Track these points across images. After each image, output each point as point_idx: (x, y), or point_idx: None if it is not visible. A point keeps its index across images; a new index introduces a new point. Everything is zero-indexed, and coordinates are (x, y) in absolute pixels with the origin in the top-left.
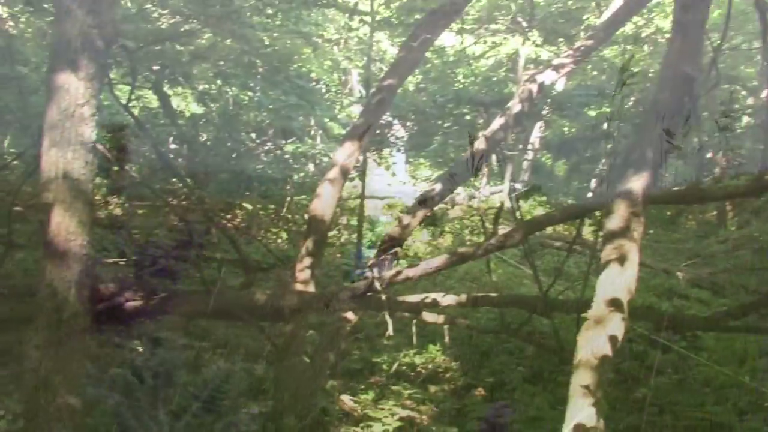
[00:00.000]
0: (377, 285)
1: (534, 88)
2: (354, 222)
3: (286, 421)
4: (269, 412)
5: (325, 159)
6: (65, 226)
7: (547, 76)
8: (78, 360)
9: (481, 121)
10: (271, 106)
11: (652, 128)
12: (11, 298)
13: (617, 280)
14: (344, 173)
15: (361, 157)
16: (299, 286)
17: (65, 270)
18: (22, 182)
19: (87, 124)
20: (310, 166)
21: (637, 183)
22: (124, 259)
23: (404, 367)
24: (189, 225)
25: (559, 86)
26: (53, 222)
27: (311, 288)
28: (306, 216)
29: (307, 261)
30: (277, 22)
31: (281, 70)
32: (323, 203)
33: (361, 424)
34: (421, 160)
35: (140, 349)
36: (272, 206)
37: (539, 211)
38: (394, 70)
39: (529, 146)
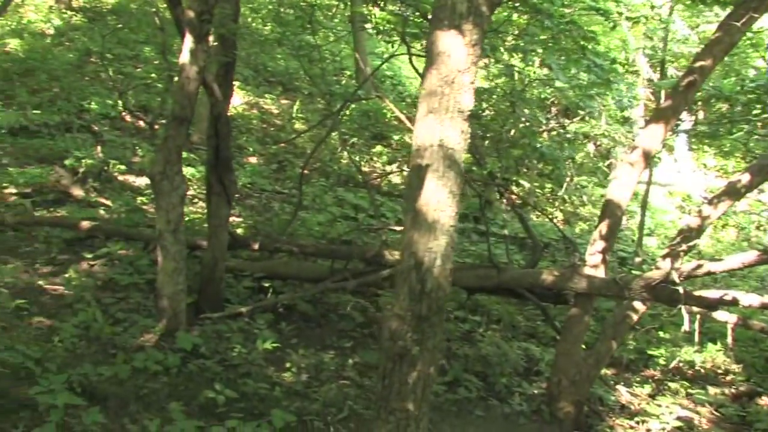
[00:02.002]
0: (674, 277)
1: None
2: (631, 207)
3: (561, 405)
4: (544, 394)
5: (605, 141)
6: (436, 195)
7: None
8: (437, 333)
9: None
10: (566, 84)
11: None
12: (299, 256)
13: None
14: (647, 157)
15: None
16: (589, 270)
17: (432, 241)
18: (314, 149)
19: (466, 92)
20: (591, 147)
21: None
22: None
23: (682, 364)
24: (482, 199)
25: None
26: (425, 190)
27: (601, 273)
28: (584, 198)
29: (600, 245)
30: None
31: (582, 49)
32: (621, 187)
33: (636, 418)
34: (706, 148)
35: None
36: (549, 185)
37: None
38: (709, 50)
39: None
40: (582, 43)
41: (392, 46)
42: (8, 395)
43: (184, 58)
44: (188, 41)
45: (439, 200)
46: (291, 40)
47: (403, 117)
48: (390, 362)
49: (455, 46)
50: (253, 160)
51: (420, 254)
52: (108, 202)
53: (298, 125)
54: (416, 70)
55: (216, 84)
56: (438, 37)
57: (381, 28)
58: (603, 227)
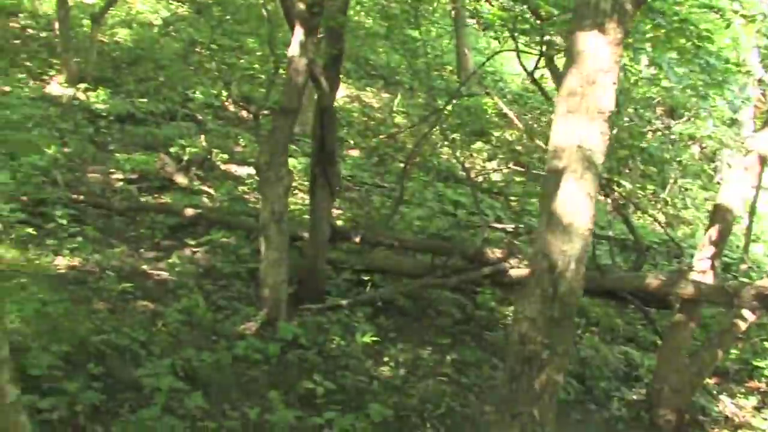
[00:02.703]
0: None
1: None
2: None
3: (662, 413)
4: (644, 400)
5: (710, 143)
6: (573, 198)
7: None
8: (568, 338)
9: None
10: (676, 84)
11: None
12: (400, 250)
13: None
14: (762, 161)
15: None
16: (697, 276)
17: (566, 244)
18: (416, 144)
19: (607, 92)
20: (695, 149)
21: None
22: (511, 226)
23: None
24: None
25: None
26: (561, 193)
27: (709, 279)
28: (687, 201)
29: (709, 250)
30: None
31: (696, 48)
32: (733, 191)
33: (740, 431)
34: None
35: (512, 316)
36: (651, 187)
37: None
38: None
39: None
40: (697, 42)
41: (498, 42)
42: (114, 375)
43: (294, 50)
44: (298, 33)
45: (575, 203)
46: (396, 34)
47: (512, 114)
48: (518, 365)
49: (598, 45)
50: (353, 152)
51: (554, 257)
52: (210, 191)
53: (399, 119)
54: (524, 68)
55: (323, 77)
56: (580, 35)
57: (492, 23)
58: (713, 232)
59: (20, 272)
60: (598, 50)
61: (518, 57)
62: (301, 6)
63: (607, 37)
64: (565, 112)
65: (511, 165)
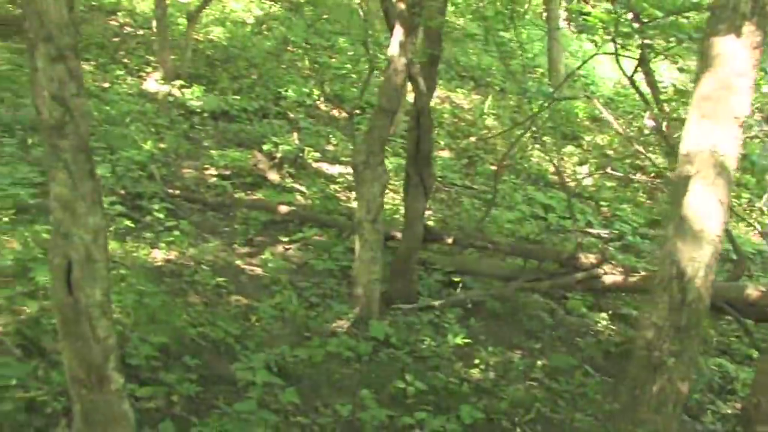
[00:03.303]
0: None
1: None
2: None
3: (759, 429)
4: (739, 415)
5: None
6: (704, 204)
7: None
8: (694, 346)
9: None
10: None
11: None
12: (492, 253)
13: None
14: None
15: None
16: None
17: (696, 250)
18: (509, 147)
19: (743, 97)
20: None
21: None
22: (605, 231)
23: None
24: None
25: None
26: (691, 198)
27: None
28: None
29: None
30: None
31: None
32: None
33: None
34: None
35: (602, 323)
36: (745, 195)
37: None
38: None
39: None
40: None
41: (595, 46)
42: (209, 368)
43: (393, 50)
44: (398, 33)
45: (706, 209)
46: (491, 36)
47: (611, 119)
48: (643, 372)
49: (735, 48)
50: (443, 153)
51: (683, 264)
52: (302, 188)
53: (489, 121)
54: (623, 71)
55: (421, 77)
56: (716, 38)
57: (592, 25)
58: None
59: (120, 263)
60: (735, 54)
61: (617, 60)
62: (402, 6)
63: (744, 40)
64: (698, 117)
65: (609, 169)
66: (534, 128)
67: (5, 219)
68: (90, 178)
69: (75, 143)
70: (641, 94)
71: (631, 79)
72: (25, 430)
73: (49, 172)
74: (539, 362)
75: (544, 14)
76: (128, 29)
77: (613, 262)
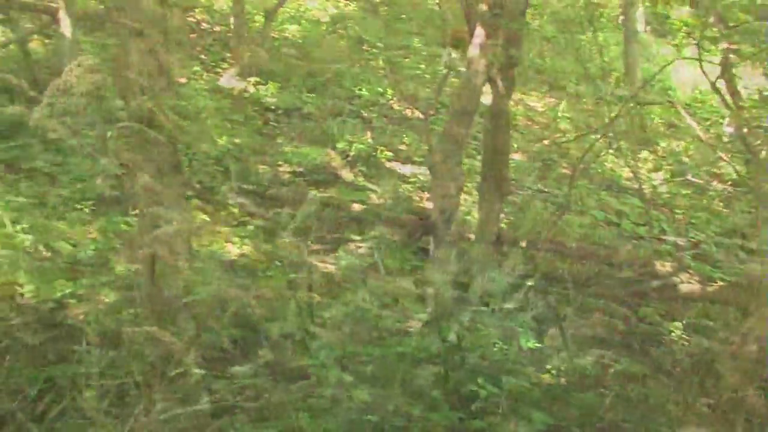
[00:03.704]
0: None
1: None
2: None
3: None
4: None
5: None
6: None
7: None
8: None
9: None
10: None
11: None
12: (562, 256)
13: None
14: None
15: None
16: None
17: None
18: (585, 152)
19: None
20: None
21: None
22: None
23: None
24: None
25: None
26: None
27: None
28: None
29: None
30: None
31: None
32: None
33: None
34: None
35: (676, 332)
36: None
37: None
38: None
39: None
40: None
41: (678, 50)
42: (282, 363)
43: (474, 51)
44: (479, 34)
45: None
46: (568, 39)
47: (695, 125)
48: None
49: None
50: (517, 156)
51: None
52: (375, 187)
53: (563, 125)
54: (707, 76)
55: (499, 79)
56: None
57: (676, 29)
58: None
59: (196, 257)
60: None
61: (701, 65)
62: (484, 7)
63: None
64: None
65: (689, 176)
66: (611, 133)
67: (85, 210)
68: (176, 172)
69: (163, 136)
70: (724, 100)
71: (713, 84)
72: (104, 419)
73: (135, 164)
74: (611, 369)
75: (620, 17)
76: (205, 26)
77: (690, 270)
